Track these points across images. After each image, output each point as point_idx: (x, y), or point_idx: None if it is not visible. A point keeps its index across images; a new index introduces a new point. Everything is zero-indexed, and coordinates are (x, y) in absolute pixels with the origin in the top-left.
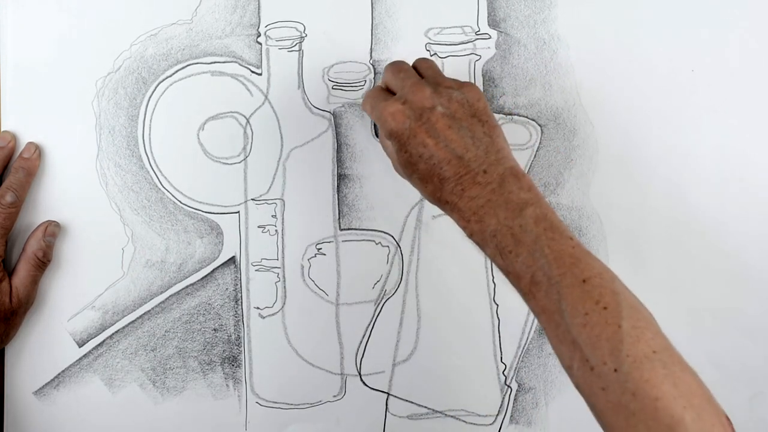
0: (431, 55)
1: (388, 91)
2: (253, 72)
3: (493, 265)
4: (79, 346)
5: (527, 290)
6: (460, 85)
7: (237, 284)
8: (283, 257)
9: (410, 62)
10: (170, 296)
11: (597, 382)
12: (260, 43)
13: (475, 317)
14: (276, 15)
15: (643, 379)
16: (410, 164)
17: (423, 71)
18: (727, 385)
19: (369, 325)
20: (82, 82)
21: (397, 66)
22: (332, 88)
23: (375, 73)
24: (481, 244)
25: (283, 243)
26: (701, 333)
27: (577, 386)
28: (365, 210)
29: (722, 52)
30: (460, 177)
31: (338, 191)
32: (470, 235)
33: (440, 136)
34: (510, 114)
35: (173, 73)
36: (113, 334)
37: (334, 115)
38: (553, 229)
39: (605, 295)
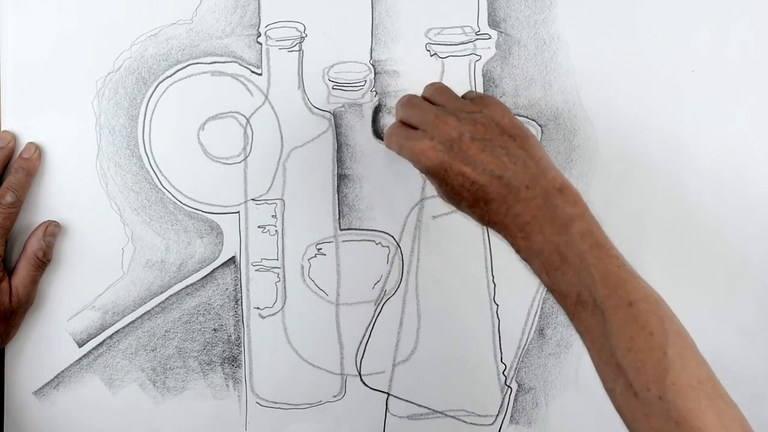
0: (431, 56)
1: (409, 126)
2: (253, 72)
3: (539, 279)
4: (79, 346)
5: (572, 309)
6: (481, 106)
7: (237, 284)
8: (283, 257)
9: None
10: (170, 296)
11: (640, 407)
12: (260, 43)
13: (475, 317)
14: (276, 15)
15: (687, 408)
16: (455, 195)
17: (437, 100)
18: (727, 385)
19: (369, 325)
20: (82, 82)
21: (410, 101)
22: (332, 88)
23: (375, 73)
24: (528, 260)
25: (283, 243)
26: (701, 333)
27: (618, 409)
28: (365, 210)
29: (722, 53)
30: (504, 197)
31: (338, 191)
32: (518, 252)
33: (475, 161)
34: None
35: (173, 73)
36: (113, 334)
37: (335, 115)
38: (599, 246)
39: (651, 320)
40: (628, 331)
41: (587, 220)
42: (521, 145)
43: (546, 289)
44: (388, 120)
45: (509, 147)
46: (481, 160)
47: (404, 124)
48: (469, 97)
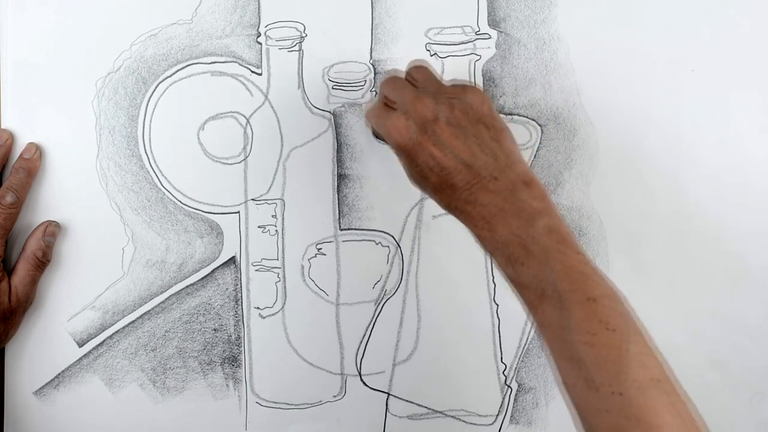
0: (431, 55)
1: (390, 105)
2: (253, 72)
3: (500, 271)
4: (79, 346)
5: (533, 302)
6: (461, 91)
7: (237, 284)
8: (283, 257)
9: (407, 63)
10: (170, 296)
11: (599, 403)
12: (260, 43)
13: (475, 317)
14: (276, 15)
15: (648, 406)
16: (421, 177)
17: (419, 81)
18: (727, 385)
19: (369, 325)
20: (82, 82)
21: (392, 80)
22: (332, 88)
23: (375, 73)
24: (491, 252)
25: (283, 243)
26: (701, 333)
27: (575, 404)
28: (365, 210)
29: (722, 52)
30: (471, 185)
31: (338, 191)
32: (481, 242)
33: (446, 146)
34: (510, 114)
35: (173, 73)
36: (113, 334)
37: (334, 115)
38: (564, 242)
39: (613, 317)
40: (589, 326)
41: (553, 216)
42: (494, 136)
43: (509, 282)
44: None
45: (482, 136)
46: (452, 145)
47: (385, 103)
48: (452, 84)
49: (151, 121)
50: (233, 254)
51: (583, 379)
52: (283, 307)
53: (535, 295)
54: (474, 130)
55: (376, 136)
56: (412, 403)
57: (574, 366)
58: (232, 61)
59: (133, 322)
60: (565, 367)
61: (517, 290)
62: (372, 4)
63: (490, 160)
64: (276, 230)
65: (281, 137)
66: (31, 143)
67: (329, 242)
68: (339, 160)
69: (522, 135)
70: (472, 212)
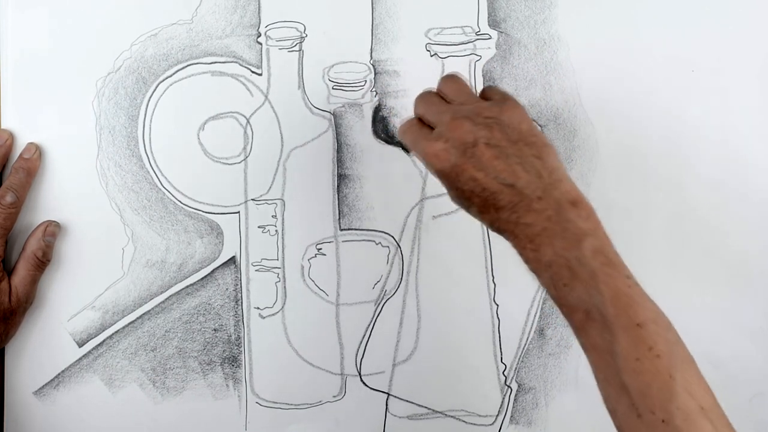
0: (431, 56)
1: (425, 123)
2: (253, 72)
3: (547, 292)
4: (79, 346)
5: (579, 325)
6: (499, 111)
7: (237, 284)
8: (283, 257)
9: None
10: (170, 296)
11: (642, 430)
12: (260, 43)
13: (475, 317)
14: (276, 15)
15: None
16: (465, 199)
17: (456, 98)
18: (727, 385)
19: (369, 325)
20: (82, 82)
21: (427, 98)
22: (332, 89)
23: (375, 73)
24: (536, 272)
25: (283, 243)
26: (701, 333)
27: (619, 429)
28: (365, 210)
29: (722, 52)
30: (515, 205)
31: (338, 191)
32: (526, 262)
33: (488, 168)
34: None
35: (173, 73)
36: (113, 334)
37: (335, 115)
38: (610, 264)
39: (659, 343)
40: (635, 352)
41: (600, 236)
42: (537, 153)
43: (554, 302)
44: (388, 120)
45: (524, 155)
46: (494, 167)
47: (420, 121)
48: (489, 96)
49: (151, 121)
50: (233, 254)
51: (627, 405)
52: (283, 307)
53: (580, 317)
54: (515, 149)
55: (378, 136)
56: (412, 403)
57: (620, 392)
58: (232, 62)
59: (133, 322)
60: (609, 391)
61: (561, 311)
62: (372, 4)
63: (533, 179)
64: (276, 230)
65: (281, 137)
66: (31, 143)
67: (329, 242)
68: (339, 160)
69: None
70: (517, 232)
